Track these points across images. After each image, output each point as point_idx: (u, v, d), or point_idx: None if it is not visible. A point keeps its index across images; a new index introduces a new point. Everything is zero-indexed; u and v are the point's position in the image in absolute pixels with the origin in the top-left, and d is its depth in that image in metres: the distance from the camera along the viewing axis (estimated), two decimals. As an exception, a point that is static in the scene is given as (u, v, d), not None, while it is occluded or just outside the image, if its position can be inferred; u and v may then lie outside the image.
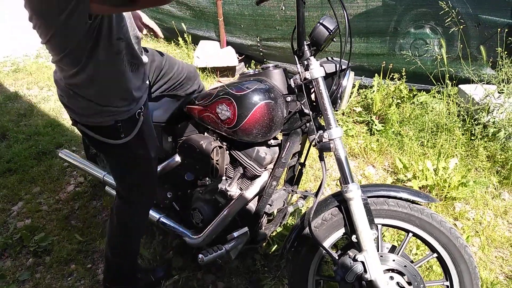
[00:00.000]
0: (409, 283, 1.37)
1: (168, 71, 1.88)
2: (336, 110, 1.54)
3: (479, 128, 2.82)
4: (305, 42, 1.44)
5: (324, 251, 1.48)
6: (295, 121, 1.59)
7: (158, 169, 1.86)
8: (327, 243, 1.49)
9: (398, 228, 1.46)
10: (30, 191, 2.83)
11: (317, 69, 1.41)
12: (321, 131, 1.42)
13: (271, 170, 1.68)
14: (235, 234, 1.69)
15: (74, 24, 1.10)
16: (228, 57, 4.45)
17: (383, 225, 1.45)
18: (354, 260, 1.39)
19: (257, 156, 1.65)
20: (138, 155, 1.54)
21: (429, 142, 2.94)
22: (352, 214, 1.36)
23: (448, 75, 3.10)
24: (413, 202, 1.41)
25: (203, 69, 4.51)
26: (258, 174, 1.68)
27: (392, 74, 3.45)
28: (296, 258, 1.57)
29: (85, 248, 2.28)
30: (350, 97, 3.46)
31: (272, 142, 1.68)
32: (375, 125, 3.23)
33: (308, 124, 1.52)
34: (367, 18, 3.61)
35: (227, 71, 4.51)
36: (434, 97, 3.25)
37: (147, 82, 1.61)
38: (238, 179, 1.79)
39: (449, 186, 2.47)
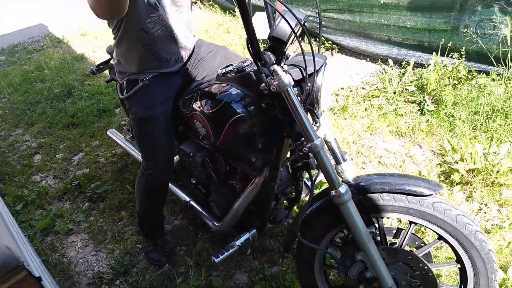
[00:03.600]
0: (416, 271, 1.34)
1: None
2: (318, 112, 1.40)
3: (539, 115, 2.66)
4: (265, 45, 1.24)
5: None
6: (275, 127, 1.43)
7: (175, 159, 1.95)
8: (325, 241, 1.46)
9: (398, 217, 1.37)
10: (90, 144, 3.09)
11: (283, 80, 1.19)
12: (303, 139, 1.28)
13: (268, 169, 1.56)
14: (237, 242, 1.64)
15: None
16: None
17: (382, 217, 1.38)
18: (354, 258, 1.37)
19: (248, 161, 1.55)
20: (132, 112, 1.75)
21: (482, 125, 2.81)
22: (346, 218, 1.27)
23: (510, 56, 2.91)
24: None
25: (257, 41, 4.54)
26: (254, 176, 1.60)
27: (451, 53, 3.29)
28: (300, 254, 1.58)
29: (135, 198, 2.47)
30: (402, 78, 3.34)
31: (260, 146, 1.50)
32: (427, 105, 3.13)
33: (288, 130, 1.36)
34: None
35: (280, 43, 4.52)
36: (493, 80, 3.08)
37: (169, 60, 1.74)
38: (241, 176, 1.72)
39: (497, 171, 2.37)
